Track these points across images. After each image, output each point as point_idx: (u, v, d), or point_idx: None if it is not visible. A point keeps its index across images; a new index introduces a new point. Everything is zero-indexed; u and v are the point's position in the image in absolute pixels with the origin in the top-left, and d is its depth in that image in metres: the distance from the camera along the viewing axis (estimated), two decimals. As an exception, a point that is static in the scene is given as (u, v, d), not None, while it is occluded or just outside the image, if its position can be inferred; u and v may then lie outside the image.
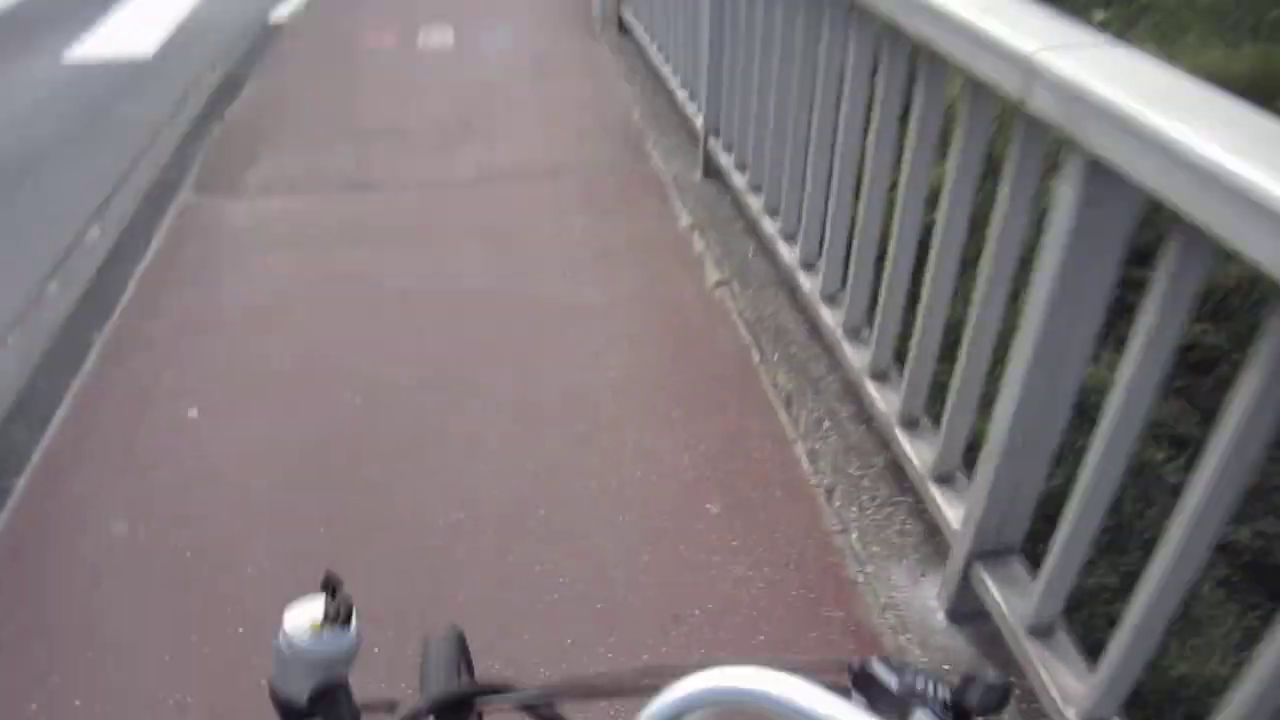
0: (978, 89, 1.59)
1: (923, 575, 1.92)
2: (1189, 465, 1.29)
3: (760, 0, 2.78)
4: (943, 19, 1.62)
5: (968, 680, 0.48)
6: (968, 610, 1.79)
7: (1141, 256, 1.44)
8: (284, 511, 2.11)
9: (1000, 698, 0.47)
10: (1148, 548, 1.30)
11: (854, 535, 2.02)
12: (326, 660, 0.56)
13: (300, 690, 0.57)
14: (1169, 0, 4.52)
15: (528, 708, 0.59)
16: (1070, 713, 1.46)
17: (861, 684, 0.51)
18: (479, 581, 1.92)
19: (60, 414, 2.42)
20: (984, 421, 1.66)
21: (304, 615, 0.56)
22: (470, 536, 2.03)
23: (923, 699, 0.48)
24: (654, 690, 0.50)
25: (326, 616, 0.55)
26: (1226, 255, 1.05)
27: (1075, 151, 1.28)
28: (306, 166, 3.90)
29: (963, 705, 0.48)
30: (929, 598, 1.88)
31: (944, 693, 0.48)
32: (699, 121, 3.66)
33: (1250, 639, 1.67)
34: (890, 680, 0.49)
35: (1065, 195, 1.32)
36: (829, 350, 2.52)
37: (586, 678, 0.60)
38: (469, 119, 4.27)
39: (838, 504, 2.10)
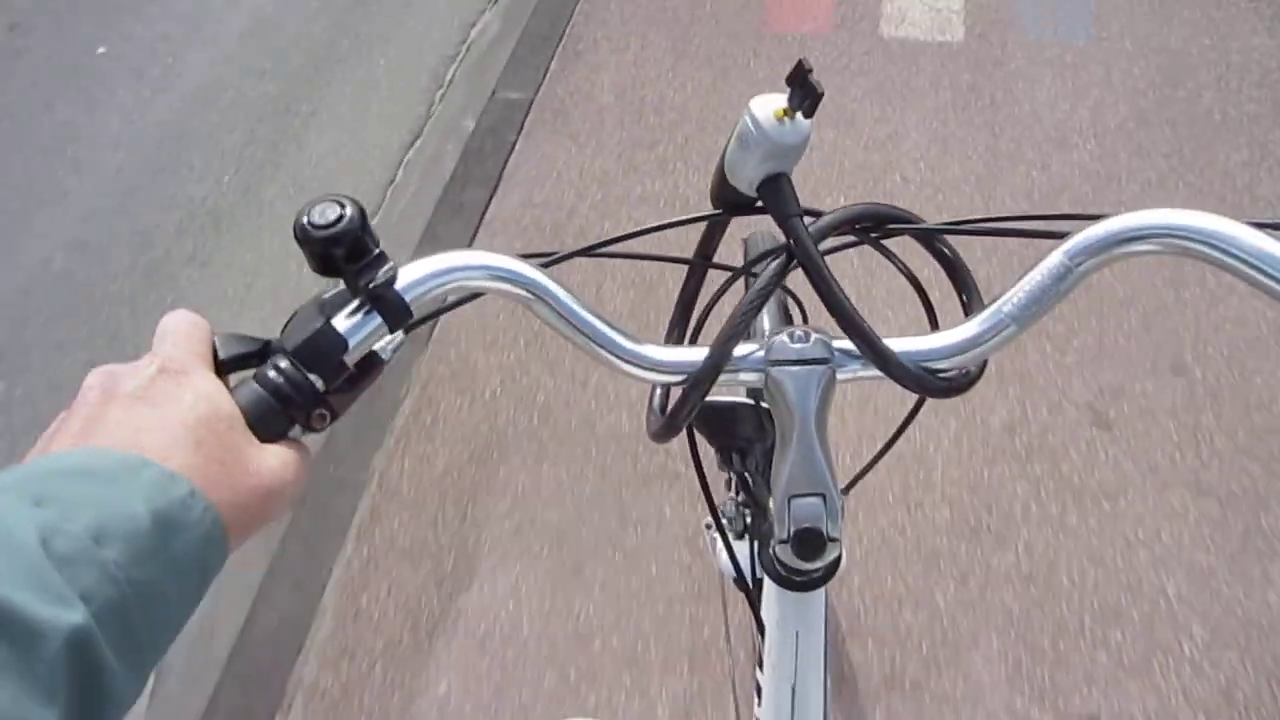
0: None
1: None
2: None
3: None
4: None
5: None
6: None
7: None
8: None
9: None
10: None
11: None
12: (782, 148, 0.56)
13: (751, 179, 0.58)
14: None
15: (929, 237, 0.62)
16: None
17: None
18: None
19: None
20: None
21: (769, 104, 0.56)
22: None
23: None
24: (1066, 234, 0.53)
25: (792, 103, 0.54)
26: None
27: None
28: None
29: None
30: None
31: None
32: None
33: None
34: None
35: None
36: None
37: (995, 216, 0.63)
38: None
39: None
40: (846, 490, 1.00)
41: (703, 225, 0.68)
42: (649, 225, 0.64)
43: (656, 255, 0.69)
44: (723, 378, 0.56)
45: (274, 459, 0.46)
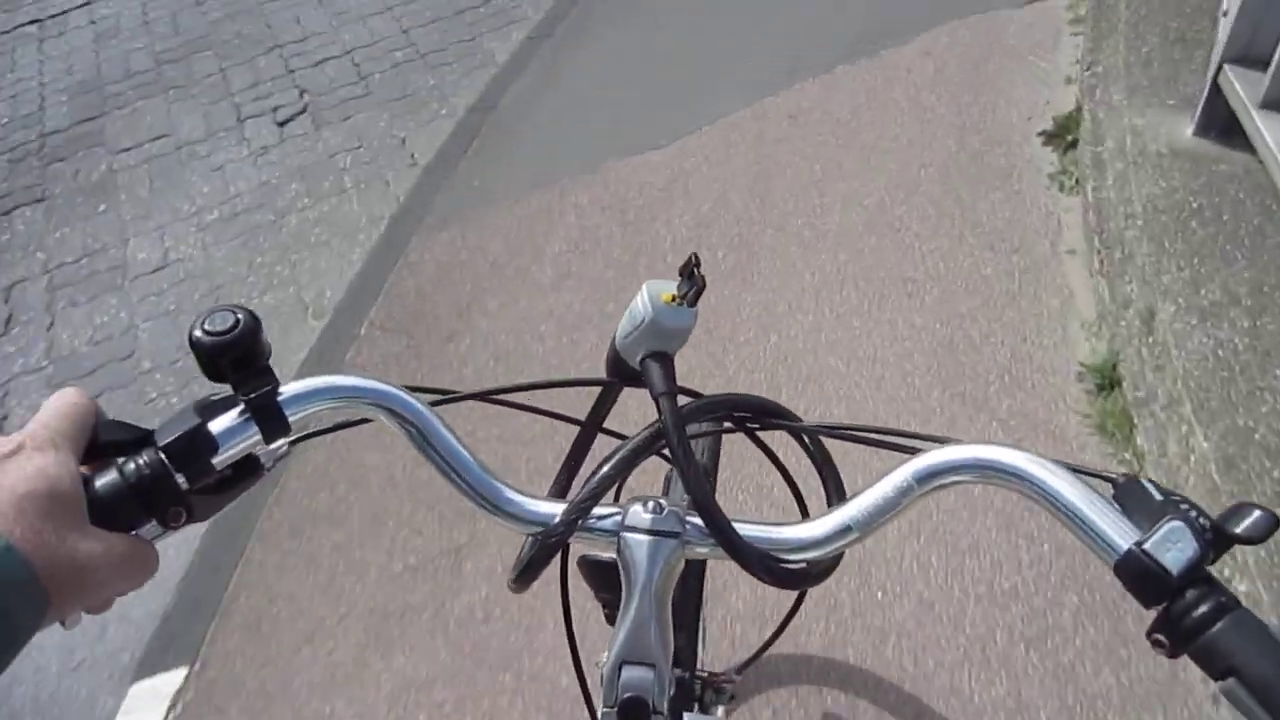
0: None
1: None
2: None
3: None
4: None
5: (1236, 507, 0.47)
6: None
7: None
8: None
9: (1269, 527, 0.45)
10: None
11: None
12: (668, 331, 0.59)
13: (637, 353, 0.61)
14: None
15: (800, 434, 0.65)
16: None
17: (1123, 495, 0.51)
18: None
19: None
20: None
21: (660, 288, 0.59)
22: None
23: (1181, 514, 0.47)
24: (915, 451, 0.56)
25: (681, 292, 0.58)
26: None
27: None
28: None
29: (1225, 530, 0.46)
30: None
31: (1205, 516, 0.47)
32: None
33: None
34: (1153, 493, 0.49)
35: None
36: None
37: (861, 425, 0.64)
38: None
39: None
40: (741, 670, 1.02)
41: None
42: (544, 380, 0.67)
43: (549, 411, 0.71)
44: (580, 536, 0.58)
45: (101, 545, 0.46)
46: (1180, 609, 0.45)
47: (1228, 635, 0.43)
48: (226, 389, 0.52)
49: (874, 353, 2.20)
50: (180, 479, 0.49)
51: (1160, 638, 0.46)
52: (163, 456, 0.48)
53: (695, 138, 2.99)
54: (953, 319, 2.25)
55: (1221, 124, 2.33)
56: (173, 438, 0.49)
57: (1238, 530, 0.45)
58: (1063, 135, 2.68)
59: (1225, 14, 2.37)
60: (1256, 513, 0.45)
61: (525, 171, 3.06)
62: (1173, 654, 0.46)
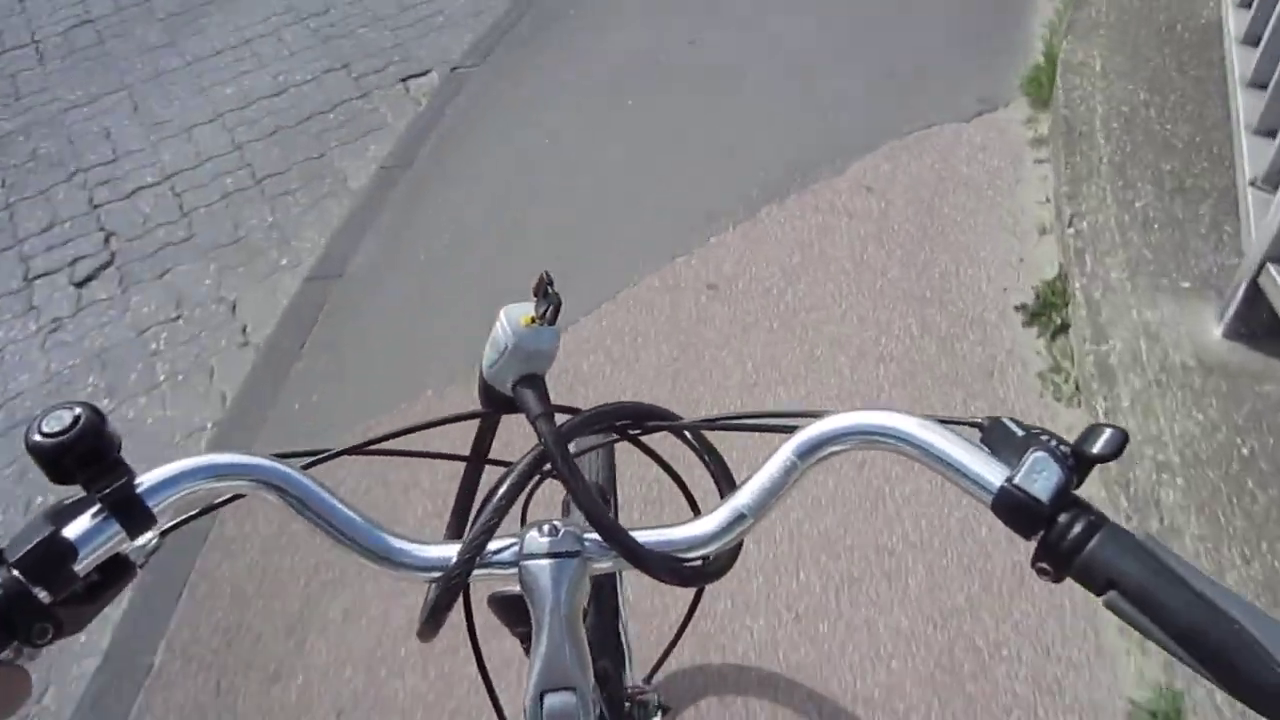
0: None
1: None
2: None
3: None
4: None
5: (1090, 429, 0.48)
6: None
7: None
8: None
9: (1121, 443, 0.47)
10: None
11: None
12: (532, 353, 0.59)
13: (507, 380, 0.60)
14: None
15: (685, 433, 0.66)
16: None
17: (989, 437, 0.52)
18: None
19: None
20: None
21: (519, 312, 0.58)
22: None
23: (1043, 445, 0.48)
24: (795, 429, 0.56)
25: (539, 312, 0.58)
26: None
27: None
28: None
29: (1084, 452, 0.47)
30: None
31: (1065, 444, 0.49)
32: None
33: None
34: (1015, 430, 0.51)
35: None
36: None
37: (737, 413, 0.68)
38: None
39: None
40: (649, 678, 1.05)
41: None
42: (417, 424, 0.65)
43: (431, 453, 0.69)
44: (479, 573, 0.56)
45: None
46: (1055, 535, 0.46)
47: (1102, 550, 0.45)
48: (78, 490, 0.49)
49: (851, 681, 1.64)
50: (41, 593, 0.46)
51: (1044, 565, 0.47)
52: (16, 573, 0.45)
53: (592, 321, 2.38)
54: (949, 617, 1.70)
55: (1261, 327, 1.84)
56: (24, 551, 0.46)
57: (1095, 450, 0.47)
58: (1047, 314, 2.17)
59: (1255, 184, 1.88)
60: (1108, 431, 0.47)
61: (379, 376, 2.41)
62: (1057, 578, 0.47)
